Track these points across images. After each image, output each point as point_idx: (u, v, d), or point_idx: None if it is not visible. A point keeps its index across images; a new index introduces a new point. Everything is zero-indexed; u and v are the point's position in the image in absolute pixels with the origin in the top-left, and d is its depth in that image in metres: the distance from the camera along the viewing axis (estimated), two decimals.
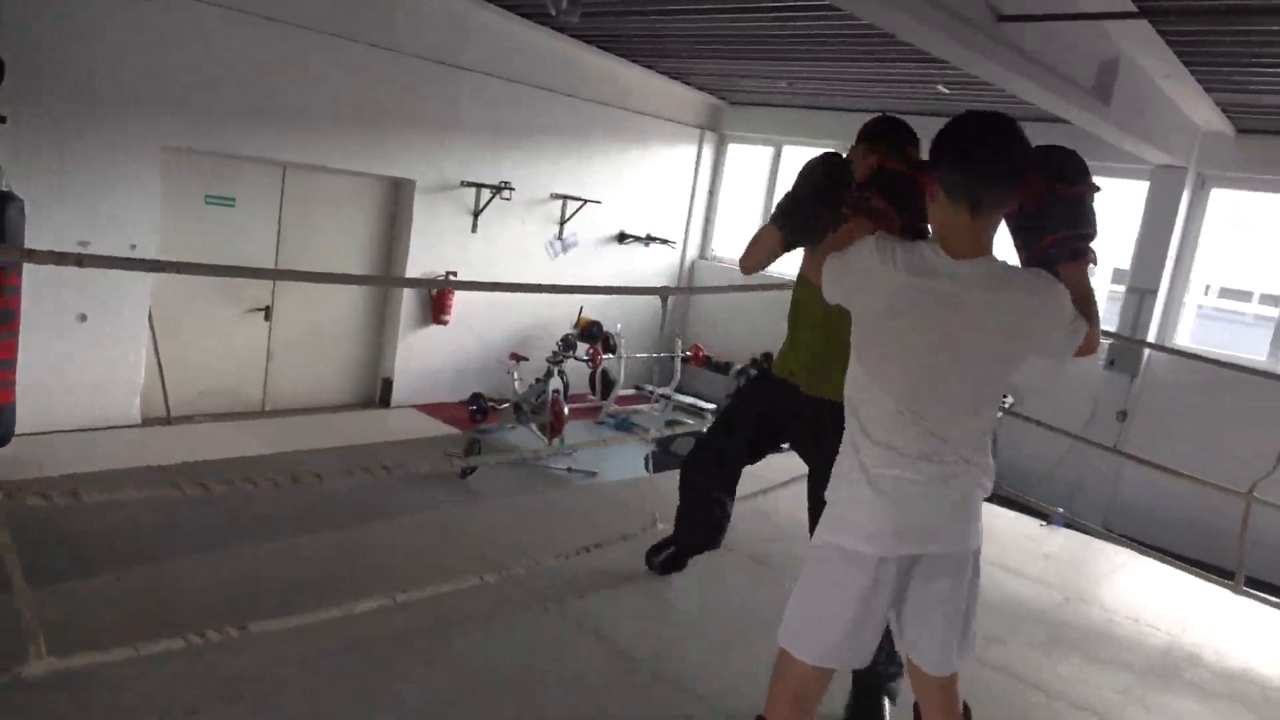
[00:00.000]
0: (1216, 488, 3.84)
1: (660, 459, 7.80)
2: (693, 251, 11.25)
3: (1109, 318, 7.80)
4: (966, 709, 2.08)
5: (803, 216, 2.55)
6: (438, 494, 6.74)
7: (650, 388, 10.16)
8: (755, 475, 3.93)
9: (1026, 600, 3.80)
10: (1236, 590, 3.75)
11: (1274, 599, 3.83)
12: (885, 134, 2.73)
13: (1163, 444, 7.23)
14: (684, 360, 10.11)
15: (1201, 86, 6.70)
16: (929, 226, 1.92)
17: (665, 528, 3.69)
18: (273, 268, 7.98)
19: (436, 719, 2.50)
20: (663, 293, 3.41)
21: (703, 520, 3.31)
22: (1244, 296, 9.18)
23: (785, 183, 10.70)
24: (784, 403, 2.90)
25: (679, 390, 10.14)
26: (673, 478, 4.94)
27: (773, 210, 2.68)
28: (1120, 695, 3.11)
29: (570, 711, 2.63)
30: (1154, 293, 8.16)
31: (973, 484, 1.91)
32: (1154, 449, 6.57)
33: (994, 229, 1.83)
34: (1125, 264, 8.77)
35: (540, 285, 3.38)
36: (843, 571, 1.89)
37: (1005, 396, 4.46)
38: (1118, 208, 8.79)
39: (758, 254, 2.83)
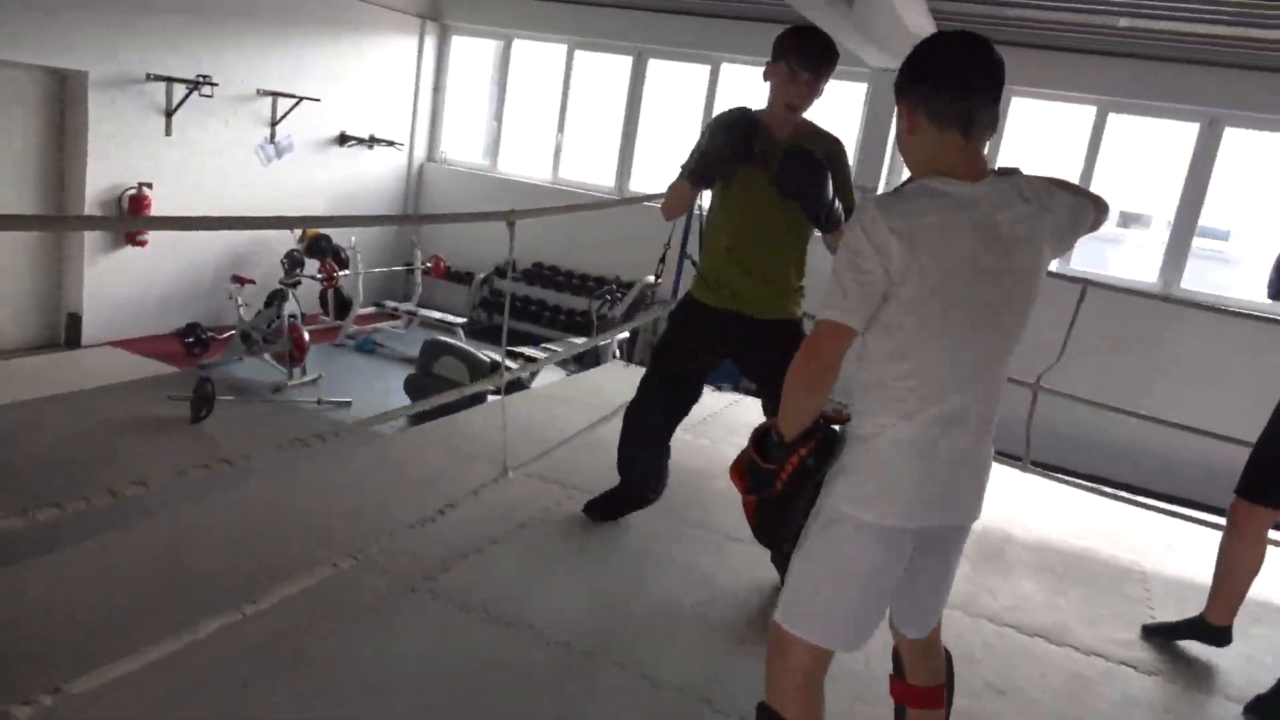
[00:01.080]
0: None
1: (420, 383, 7.29)
2: (421, 153, 10.45)
3: None
4: (947, 654, 2.06)
5: (712, 171, 2.72)
6: (169, 448, 5.84)
7: (392, 304, 9.45)
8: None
9: None
10: (1024, 469, 4.16)
11: (1053, 473, 4.30)
12: (820, 63, 2.65)
13: None
14: (424, 272, 9.49)
15: None
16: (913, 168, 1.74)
17: (516, 477, 3.38)
18: None
19: None
20: (510, 218, 3.00)
21: (653, 470, 3.25)
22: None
23: (516, 79, 10.23)
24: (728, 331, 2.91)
25: (421, 305, 9.53)
26: (477, 414, 4.63)
27: (686, 161, 2.81)
28: (969, 584, 3.34)
29: (507, 710, 2.31)
30: (874, 189, 8.77)
31: (992, 443, 1.81)
32: None
33: (984, 151, 1.70)
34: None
35: (348, 217, 2.82)
36: (864, 545, 1.71)
37: None
38: (840, 109, 9.31)
39: (677, 205, 2.93)
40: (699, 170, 2.74)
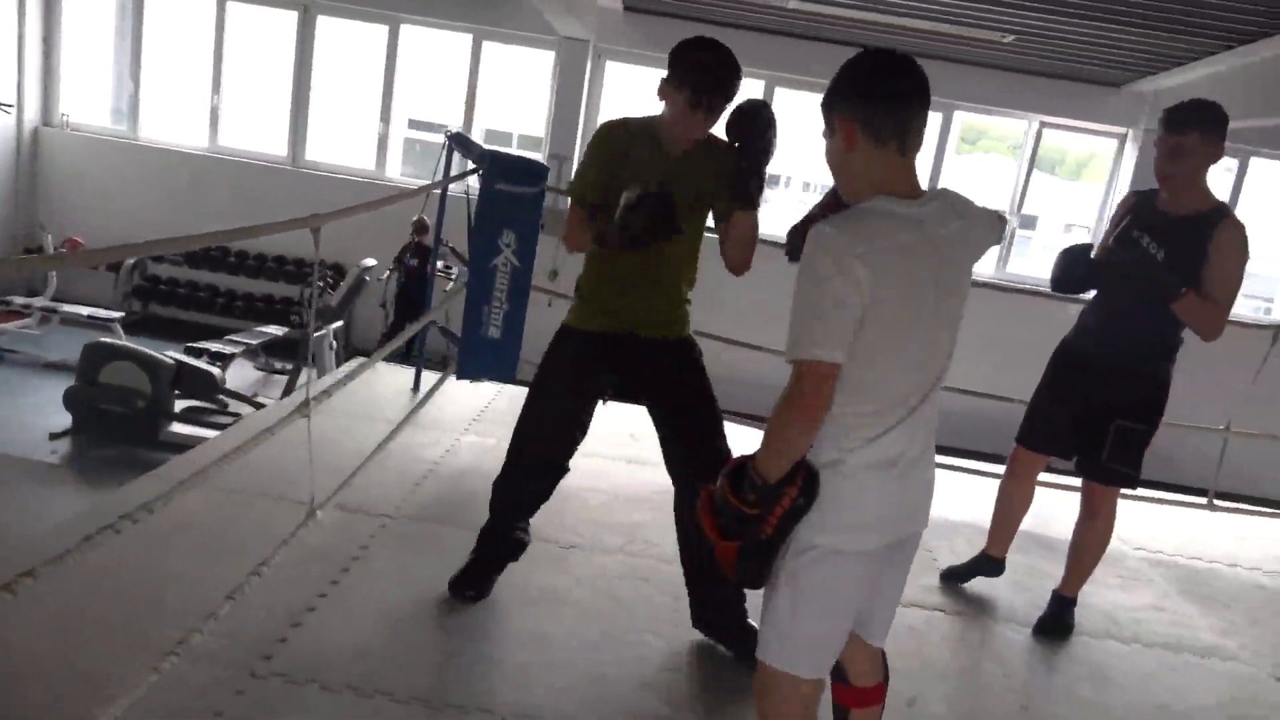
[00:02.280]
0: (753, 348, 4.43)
1: (84, 395, 6.14)
2: (34, 116, 8.68)
3: None
4: (882, 652, 2.10)
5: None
6: None
7: (20, 300, 7.81)
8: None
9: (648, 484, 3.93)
10: None
11: None
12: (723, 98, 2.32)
13: None
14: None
15: None
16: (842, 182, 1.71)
17: (325, 517, 2.93)
18: None
19: None
20: (313, 223, 2.52)
21: (517, 532, 2.82)
22: None
23: (156, 31, 8.76)
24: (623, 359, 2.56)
25: (58, 298, 7.99)
26: (227, 438, 3.94)
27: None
28: None
29: None
30: (570, 158, 8.79)
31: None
32: None
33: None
34: (539, 132, 9.28)
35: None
36: (845, 573, 1.70)
37: None
38: (527, 78, 9.19)
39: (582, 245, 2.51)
40: (619, 238, 2.33)
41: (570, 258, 2.72)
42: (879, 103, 1.63)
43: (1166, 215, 2.87)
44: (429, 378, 4.79)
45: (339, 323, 6.26)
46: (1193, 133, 2.76)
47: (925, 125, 1.68)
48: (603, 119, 9.08)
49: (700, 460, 2.42)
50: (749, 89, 8.29)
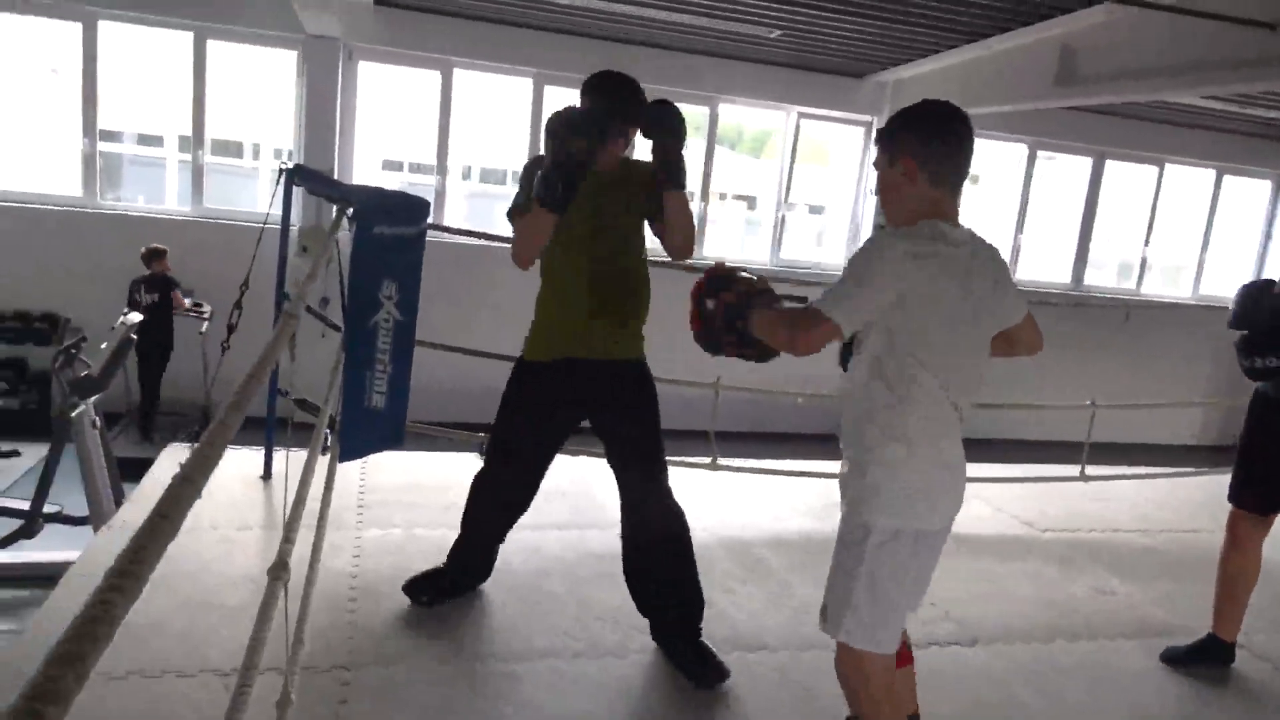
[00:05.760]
0: (690, 384, 4.13)
1: None
2: None
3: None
4: None
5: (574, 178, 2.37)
6: None
7: None
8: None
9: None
10: (713, 468, 4.18)
11: (740, 465, 4.37)
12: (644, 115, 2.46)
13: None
14: None
15: None
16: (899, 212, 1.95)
17: (274, 684, 2.24)
18: None
19: None
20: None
21: (487, 556, 3.02)
22: (396, 166, 9.62)
23: None
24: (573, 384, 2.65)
25: None
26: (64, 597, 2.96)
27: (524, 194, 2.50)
28: (787, 611, 3.23)
29: None
30: (331, 170, 7.86)
31: None
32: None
33: None
34: (284, 143, 8.22)
35: None
36: (916, 553, 1.93)
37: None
38: (271, 81, 8.09)
39: (537, 242, 2.49)
40: (558, 186, 2.37)
41: None
42: (950, 156, 1.89)
43: None
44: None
45: (99, 395, 5.07)
46: None
47: (970, 165, 1.93)
48: (362, 123, 8.25)
49: (642, 488, 2.66)
50: (515, 87, 7.80)
